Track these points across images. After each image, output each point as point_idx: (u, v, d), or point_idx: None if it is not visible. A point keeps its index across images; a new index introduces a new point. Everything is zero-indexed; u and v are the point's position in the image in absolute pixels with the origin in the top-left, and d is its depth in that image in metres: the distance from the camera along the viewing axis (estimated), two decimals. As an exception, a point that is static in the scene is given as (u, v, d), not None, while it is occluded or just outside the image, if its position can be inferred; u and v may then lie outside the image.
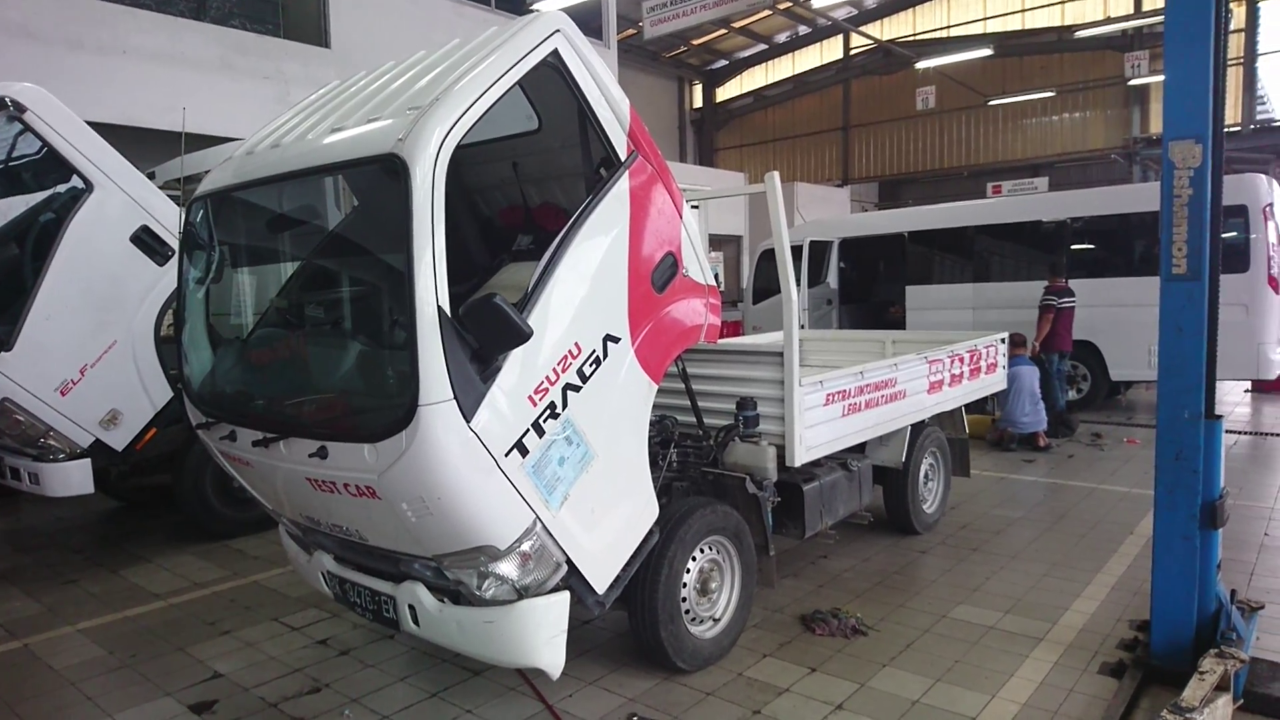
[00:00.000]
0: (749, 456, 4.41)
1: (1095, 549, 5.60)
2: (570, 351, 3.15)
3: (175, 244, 5.16)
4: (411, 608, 3.34)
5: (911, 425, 5.70)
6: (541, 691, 3.76)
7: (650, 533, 3.61)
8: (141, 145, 7.33)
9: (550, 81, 3.32)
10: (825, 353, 7.69)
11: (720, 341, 4.50)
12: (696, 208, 12.01)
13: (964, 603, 4.75)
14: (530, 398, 3.01)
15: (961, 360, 6.33)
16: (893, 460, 5.70)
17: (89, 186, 5.61)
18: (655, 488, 4.04)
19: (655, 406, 4.77)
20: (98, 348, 5.64)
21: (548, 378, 3.06)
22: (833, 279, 13.58)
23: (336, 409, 3.32)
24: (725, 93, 31.36)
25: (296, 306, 3.75)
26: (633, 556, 3.52)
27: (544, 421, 3.04)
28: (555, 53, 3.22)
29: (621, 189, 3.39)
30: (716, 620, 4.09)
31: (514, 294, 3.02)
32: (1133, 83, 22.65)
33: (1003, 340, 7.10)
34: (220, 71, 9.38)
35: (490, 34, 3.36)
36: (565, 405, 3.12)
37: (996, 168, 25.75)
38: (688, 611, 3.92)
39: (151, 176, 6.86)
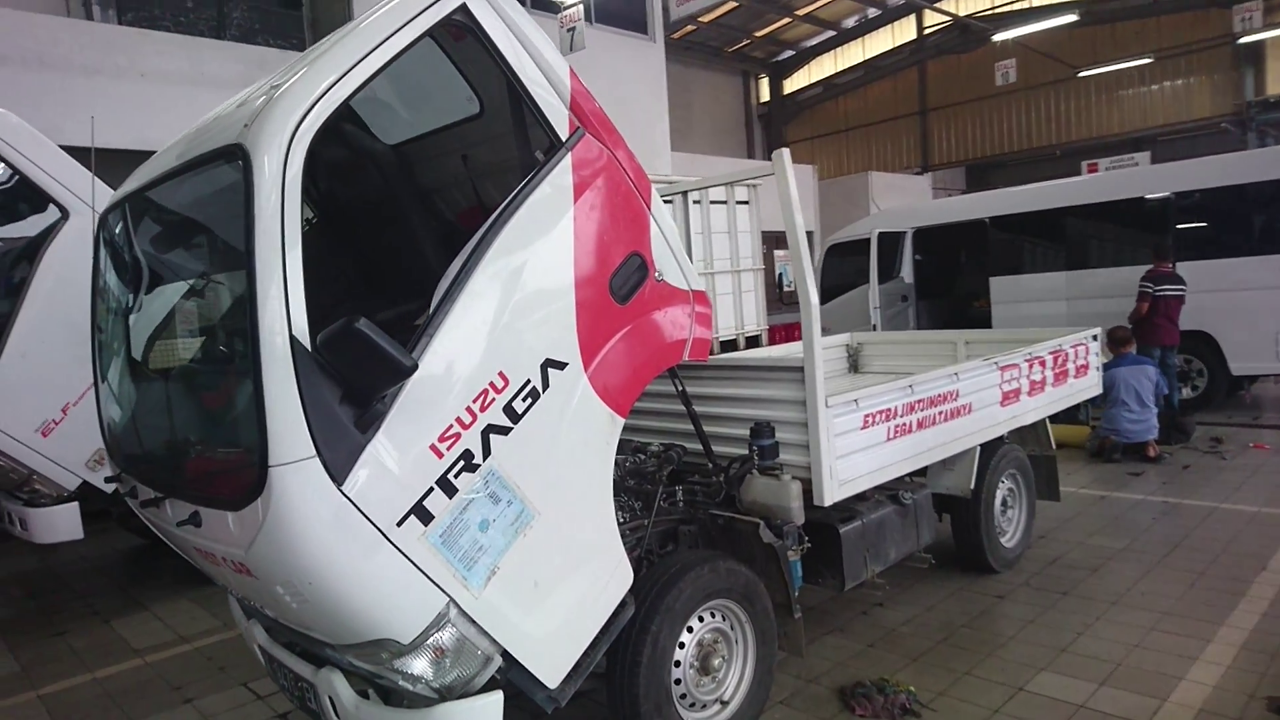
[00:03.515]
0: (768, 493, 3.62)
1: (1218, 591, 4.56)
2: (492, 384, 2.47)
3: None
4: (331, 700, 2.73)
5: (981, 444, 4.78)
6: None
7: (623, 604, 2.88)
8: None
9: (465, 47, 2.66)
10: (889, 357, 6.79)
11: (731, 355, 3.75)
12: (745, 201, 10.87)
13: (1047, 669, 3.83)
14: (434, 447, 2.34)
15: (1043, 364, 5.36)
16: (959, 487, 4.78)
17: (64, 214, 5.29)
18: (651, 533, 3.34)
19: (658, 434, 4.08)
20: (81, 384, 5.28)
21: (459, 419, 2.39)
22: (907, 273, 12.55)
23: (199, 467, 2.73)
24: (793, 84, 30.11)
25: (162, 342, 3.19)
26: (599, 636, 2.80)
27: (455, 476, 2.37)
28: (463, 8, 2.55)
29: (561, 177, 2.69)
30: (724, 703, 3.32)
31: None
32: (1243, 40, 20.42)
33: (1094, 338, 6.06)
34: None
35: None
36: (487, 453, 2.44)
37: (1092, 144, 23.75)
38: (683, 696, 3.17)
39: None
